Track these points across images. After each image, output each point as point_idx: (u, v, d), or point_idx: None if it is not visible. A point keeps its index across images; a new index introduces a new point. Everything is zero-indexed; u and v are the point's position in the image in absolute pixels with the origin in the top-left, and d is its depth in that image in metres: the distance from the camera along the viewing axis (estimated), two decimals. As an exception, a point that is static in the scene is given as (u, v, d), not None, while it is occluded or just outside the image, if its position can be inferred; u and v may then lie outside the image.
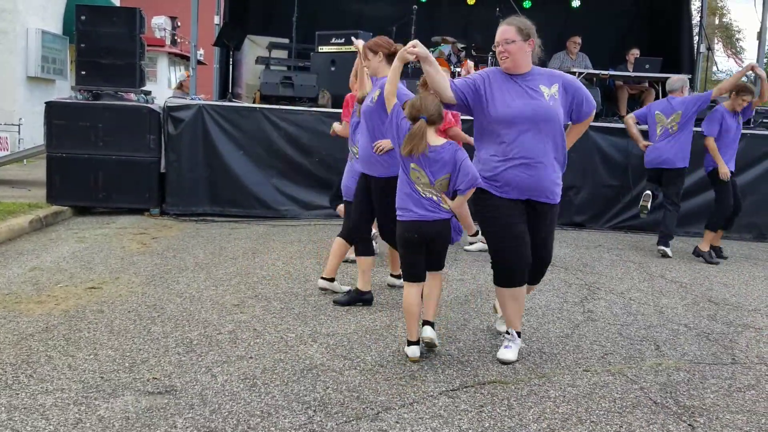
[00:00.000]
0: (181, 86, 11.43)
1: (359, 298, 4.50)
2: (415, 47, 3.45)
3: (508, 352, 3.60)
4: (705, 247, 6.61)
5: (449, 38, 10.34)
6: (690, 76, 9.48)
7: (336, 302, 4.50)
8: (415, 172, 3.52)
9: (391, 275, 5.02)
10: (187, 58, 17.57)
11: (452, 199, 3.56)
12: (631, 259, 6.52)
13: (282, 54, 10.48)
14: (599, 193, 8.06)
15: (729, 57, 23.31)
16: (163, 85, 20.76)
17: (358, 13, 11.55)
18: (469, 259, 6.13)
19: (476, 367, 3.51)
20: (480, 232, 6.24)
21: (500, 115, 3.43)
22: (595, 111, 3.65)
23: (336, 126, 5.44)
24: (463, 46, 10.19)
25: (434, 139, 3.52)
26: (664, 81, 9.21)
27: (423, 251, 3.59)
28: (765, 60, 9.62)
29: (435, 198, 3.53)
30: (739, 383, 3.46)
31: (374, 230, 5.79)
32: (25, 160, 11.65)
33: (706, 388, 3.37)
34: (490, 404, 3.07)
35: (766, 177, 7.88)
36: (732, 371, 3.62)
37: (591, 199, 8.06)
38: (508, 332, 3.66)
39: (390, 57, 4.13)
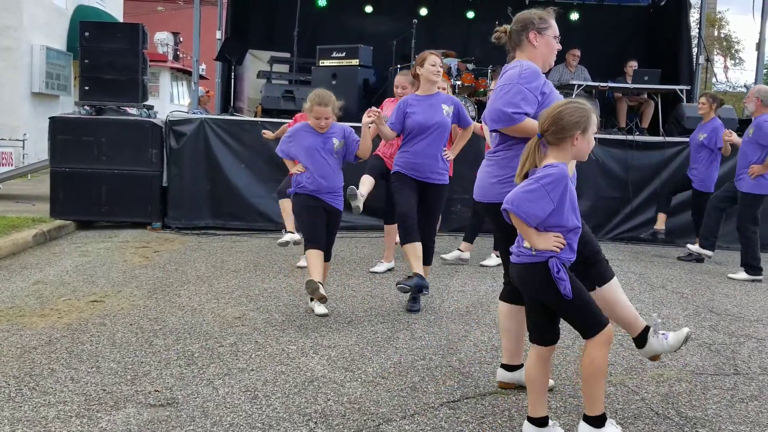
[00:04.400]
0: (200, 102, 11.48)
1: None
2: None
3: None
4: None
5: (452, 53, 10.43)
6: (689, 88, 9.53)
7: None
8: None
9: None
10: (189, 73, 17.68)
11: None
12: (631, 270, 6.52)
13: (283, 68, 10.56)
14: (599, 205, 8.07)
15: (724, 70, 23.30)
16: (165, 100, 20.89)
17: (358, 27, 11.64)
18: (470, 271, 6.14)
19: (477, 378, 3.52)
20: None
21: None
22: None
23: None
24: (469, 59, 10.28)
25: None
26: (663, 93, 9.28)
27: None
28: (765, 71, 9.64)
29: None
30: (741, 394, 3.45)
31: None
32: (29, 175, 11.71)
33: (708, 399, 3.36)
34: (491, 415, 3.07)
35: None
36: (734, 382, 3.61)
37: (591, 210, 8.07)
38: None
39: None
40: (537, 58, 3.26)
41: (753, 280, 6.25)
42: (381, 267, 5.96)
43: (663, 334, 3.28)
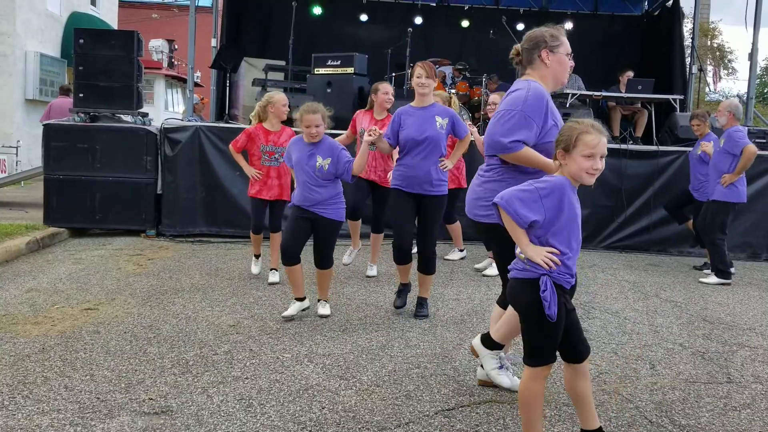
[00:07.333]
0: (195, 109, 11.47)
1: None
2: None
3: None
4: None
5: (446, 61, 10.48)
6: (682, 97, 9.60)
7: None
8: None
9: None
10: (184, 81, 17.69)
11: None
12: (625, 278, 6.55)
13: (278, 76, 10.59)
14: (593, 213, 8.09)
15: (714, 81, 23.26)
16: (159, 107, 20.85)
17: (353, 36, 11.71)
18: (465, 279, 6.15)
19: (472, 386, 3.52)
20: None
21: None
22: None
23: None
24: (462, 64, 10.33)
25: None
26: (656, 102, 9.34)
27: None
28: (757, 80, 9.73)
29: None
30: (734, 402, 3.47)
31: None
32: (22, 182, 11.67)
33: (702, 407, 3.38)
34: (485, 423, 3.08)
35: (759, 197, 7.93)
36: (727, 390, 3.63)
37: (585, 219, 8.03)
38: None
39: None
40: (548, 76, 3.20)
41: (723, 284, 6.46)
42: (372, 270, 6.14)
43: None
